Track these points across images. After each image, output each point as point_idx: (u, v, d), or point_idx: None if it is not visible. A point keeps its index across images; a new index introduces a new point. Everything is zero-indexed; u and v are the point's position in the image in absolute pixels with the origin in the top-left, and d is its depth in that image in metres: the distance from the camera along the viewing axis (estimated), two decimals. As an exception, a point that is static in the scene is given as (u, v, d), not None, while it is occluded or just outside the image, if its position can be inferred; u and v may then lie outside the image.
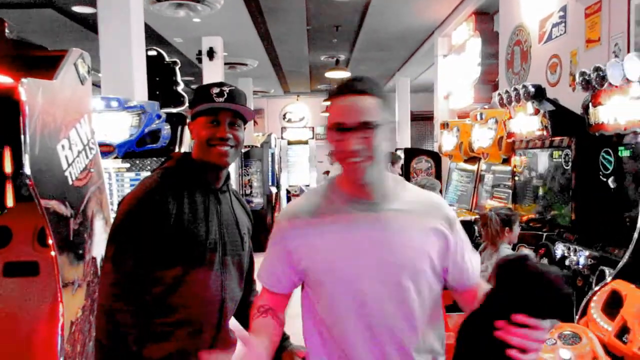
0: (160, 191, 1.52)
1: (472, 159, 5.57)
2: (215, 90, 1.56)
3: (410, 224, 1.27)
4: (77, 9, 6.92)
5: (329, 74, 10.32)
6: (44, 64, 2.03)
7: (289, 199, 11.55)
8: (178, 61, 4.69)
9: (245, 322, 1.82)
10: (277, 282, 1.38)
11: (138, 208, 1.49)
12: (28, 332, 2.17)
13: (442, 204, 1.36)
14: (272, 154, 9.27)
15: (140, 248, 1.47)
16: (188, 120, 1.68)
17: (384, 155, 1.23)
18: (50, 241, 1.74)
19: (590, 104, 3.02)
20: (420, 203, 1.32)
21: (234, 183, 7.32)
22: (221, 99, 1.55)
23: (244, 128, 1.65)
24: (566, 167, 3.38)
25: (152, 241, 1.48)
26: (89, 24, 7.39)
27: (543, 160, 3.73)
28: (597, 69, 2.85)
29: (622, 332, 2.21)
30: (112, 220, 1.59)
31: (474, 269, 1.38)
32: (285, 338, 1.79)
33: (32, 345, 2.17)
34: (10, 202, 1.60)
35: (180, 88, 4.56)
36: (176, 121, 3.61)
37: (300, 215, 1.32)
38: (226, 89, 1.57)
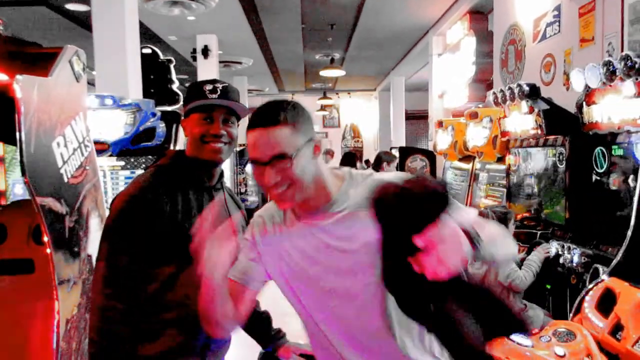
0: (153, 189, 1.51)
1: (467, 158, 5.59)
2: (209, 87, 1.56)
3: (353, 224, 1.22)
4: (71, 6, 6.88)
5: (324, 73, 10.32)
6: (38, 61, 2.02)
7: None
8: (173, 59, 4.68)
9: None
10: (243, 275, 1.33)
11: (131, 206, 1.49)
12: (23, 330, 2.16)
13: None
14: (267, 153, 9.24)
15: (133, 246, 1.47)
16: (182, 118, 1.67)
17: (310, 173, 1.20)
18: (45, 238, 1.73)
19: (584, 103, 3.04)
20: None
21: (228, 181, 7.32)
22: (214, 96, 1.55)
23: (238, 125, 1.65)
24: (560, 166, 3.40)
25: (146, 239, 1.47)
26: (83, 21, 7.35)
27: (537, 159, 3.75)
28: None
29: (616, 329, 2.23)
30: (106, 218, 1.58)
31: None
32: (281, 335, 1.79)
33: (28, 343, 2.16)
34: (2, 185, 1.59)
35: (175, 86, 4.54)
36: (171, 119, 3.60)
37: (262, 223, 1.34)
38: (219, 86, 1.57)
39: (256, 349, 1.83)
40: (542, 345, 2.15)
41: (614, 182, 2.89)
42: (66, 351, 1.80)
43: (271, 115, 1.17)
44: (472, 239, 1.00)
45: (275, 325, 1.83)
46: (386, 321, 1.23)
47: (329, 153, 12.16)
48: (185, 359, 1.55)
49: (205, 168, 1.61)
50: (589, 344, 2.16)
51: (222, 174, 1.69)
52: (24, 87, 1.67)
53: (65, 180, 1.92)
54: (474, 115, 5.01)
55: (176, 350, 1.53)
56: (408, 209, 1.00)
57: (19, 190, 3.25)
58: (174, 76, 4.60)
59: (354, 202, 1.24)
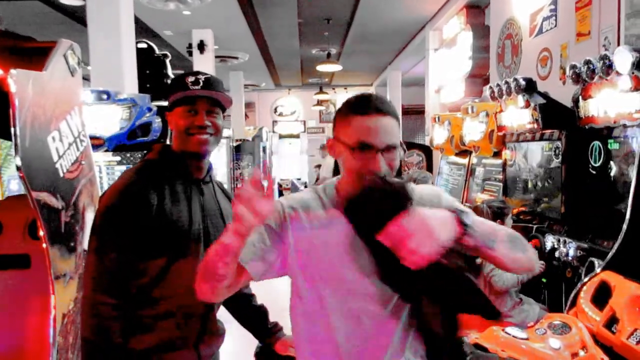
0: (140, 183, 1.51)
1: (463, 153, 5.59)
2: (191, 78, 1.56)
3: None
4: (65, 0, 6.83)
5: (321, 68, 10.30)
6: (33, 55, 2.01)
7: (280, 193, 11.55)
8: (168, 54, 4.67)
9: (234, 312, 1.82)
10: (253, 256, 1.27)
11: (119, 200, 1.49)
12: (20, 325, 2.16)
13: (441, 197, 1.34)
14: (264, 148, 9.26)
15: (122, 240, 1.47)
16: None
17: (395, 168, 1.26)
18: (41, 233, 1.73)
19: (580, 97, 3.05)
20: (422, 200, 1.26)
21: (225, 177, 7.30)
22: (197, 87, 1.55)
23: (223, 116, 1.65)
24: (556, 160, 3.41)
25: (135, 233, 1.47)
26: (77, 16, 7.31)
27: (533, 153, 3.76)
28: (587, 62, 2.87)
29: (611, 322, 2.24)
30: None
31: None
32: (278, 329, 1.79)
33: (25, 338, 2.16)
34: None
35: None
36: (167, 114, 3.58)
37: (294, 212, 1.28)
38: (202, 77, 1.56)
39: (253, 342, 1.83)
40: (537, 338, 2.16)
41: (609, 176, 2.90)
42: (63, 346, 1.80)
43: (386, 106, 1.23)
44: (459, 218, 1.11)
45: (272, 319, 1.83)
46: (399, 337, 1.23)
47: (325, 148, 12.15)
48: (178, 352, 1.55)
49: (192, 160, 1.60)
50: (584, 337, 2.17)
51: (210, 167, 1.68)
52: (19, 82, 1.66)
53: (61, 175, 1.91)
54: (470, 110, 5.02)
55: (169, 343, 1.53)
56: (370, 209, 1.10)
57: (14, 186, 3.24)
58: (169, 71, 4.59)
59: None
